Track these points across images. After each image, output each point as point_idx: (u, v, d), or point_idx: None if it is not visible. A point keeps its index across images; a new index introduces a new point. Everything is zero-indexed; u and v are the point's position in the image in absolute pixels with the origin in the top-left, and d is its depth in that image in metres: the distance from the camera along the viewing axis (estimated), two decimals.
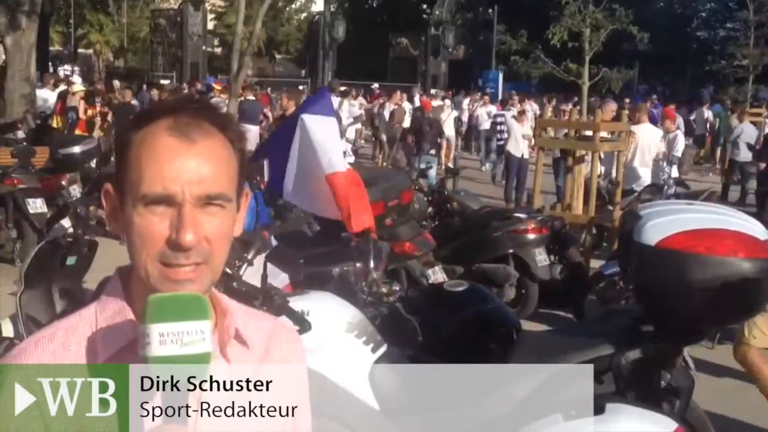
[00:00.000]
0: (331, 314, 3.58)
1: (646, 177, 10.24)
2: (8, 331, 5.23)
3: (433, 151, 15.06)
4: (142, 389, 1.19)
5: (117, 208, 1.25)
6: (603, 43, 11.72)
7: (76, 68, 39.98)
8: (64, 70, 38.35)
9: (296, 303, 3.49)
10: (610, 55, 14.67)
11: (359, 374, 3.48)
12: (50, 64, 36.05)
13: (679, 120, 12.03)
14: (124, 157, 1.23)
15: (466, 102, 24.02)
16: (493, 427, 3.36)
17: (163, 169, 1.18)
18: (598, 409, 3.00)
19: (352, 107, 18.13)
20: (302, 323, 3.14)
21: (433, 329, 4.51)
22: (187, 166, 1.18)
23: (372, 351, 3.55)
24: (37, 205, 8.83)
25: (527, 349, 3.59)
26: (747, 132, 16.00)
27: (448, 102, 22.35)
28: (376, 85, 28.50)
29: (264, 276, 3.78)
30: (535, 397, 3.34)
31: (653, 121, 12.69)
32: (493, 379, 3.43)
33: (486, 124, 19.37)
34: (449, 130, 18.84)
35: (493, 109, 20.02)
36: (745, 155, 15.58)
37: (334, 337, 3.48)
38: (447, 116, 19.23)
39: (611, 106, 11.00)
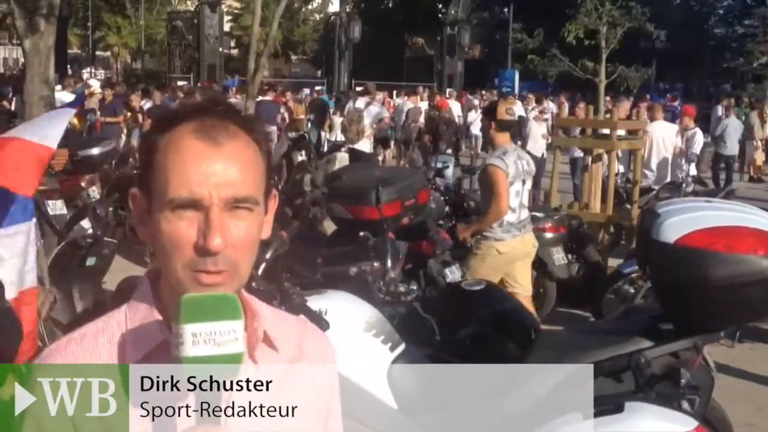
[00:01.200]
0: (349, 313, 3.58)
1: (662, 174, 10.19)
2: None
3: (449, 151, 15.05)
4: (177, 390, 1.20)
5: (144, 213, 1.24)
6: (620, 41, 11.65)
7: (101, 71, 40.18)
8: (88, 73, 38.62)
9: (314, 302, 3.49)
10: (627, 53, 14.58)
11: (377, 373, 3.48)
12: (69, 66, 36.30)
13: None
14: (150, 160, 1.22)
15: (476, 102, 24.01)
16: (512, 425, 3.35)
17: (189, 172, 1.17)
18: (617, 408, 2.99)
19: (371, 107, 18.03)
20: (320, 322, 3.15)
21: (450, 328, 4.51)
22: (214, 169, 1.17)
23: (390, 350, 3.55)
24: (56, 207, 8.88)
25: (546, 348, 3.58)
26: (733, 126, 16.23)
27: (476, 102, 22.39)
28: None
29: (281, 275, 3.80)
30: (554, 396, 3.33)
31: (673, 118, 12.65)
32: (511, 378, 3.43)
33: None
34: (476, 129, 18.83)
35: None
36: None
37: (352, 337, 3.49)
38: (475, 116, 19.30)
39: (625, 105, 10.97)
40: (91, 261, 5.36)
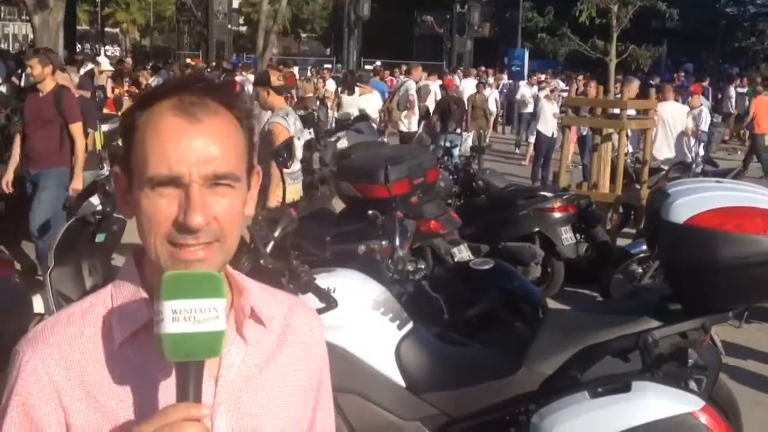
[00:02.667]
0: (358, 291, 3.59)
1: (672, 154, 10.16)
2: (39, 307, 5.30)
3: (458, 131, 14.98)
4: (157, 367, 1.21)
5: (126, 191, 1.23)
6: (631, 20, 11.54)
7: (107, 48, 40.13)
8: (105, 50, 38.59)
9: (322, 280, 3.50)
10: (638, 32, 14.45)
11: (385, 351, 3.50)
12: (78, 43, 36.26)
13: (703, 100, 11.89)
14: (131, 139, 1.21)
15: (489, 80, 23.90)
16: (519, 403, 3.37)
17: (168, 150, 1.16)
18: (625, 387, 3.00)
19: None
20: (328, 300, 3.15)
21: (458, 307, 4.52)
22: (193, 146, 1.16)
23: (398, 328, 3.56)
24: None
25: (553, 327, 3.58)
26: None
27: (490, 80, 22.33)
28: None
29: (290, 253, 3.80)
30: (561, 375, 3.34)
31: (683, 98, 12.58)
32: (518, 357, 3.43)
33: (529, 107, 19.09)
34: (492, 106, 18.80)
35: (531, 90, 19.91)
36: None
37: (360, 314, 3.50)
38: (489, 94, 19.27)
39: (634, 84, 10.91)
40: (100, 237, 5.35)
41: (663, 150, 10.37)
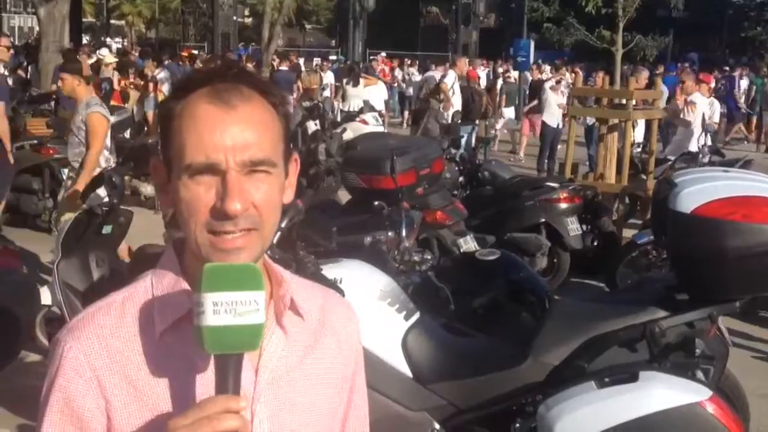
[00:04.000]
0: (364, 282, 3.59)
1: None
2: (46, 299, 5.32)
3: (477, 122, 14.94)
4: (197, 357, 1.21)
5: (165, 181, 1.24)
6: (637, 10, 11.48)
7: (109, 40, 40.10)
8: (115, 43, 38.59)
9: (329, 271, 3.51)
10: (644, 22, 14.39)
11: (392, 342, 3.50)
12: (83, 35, 36.27)
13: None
14: (167, 129, 1.22)
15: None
16: (525, 394, 3.37)
17: (204, 138, 1.16)
18: (632, 377, 3.00)
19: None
20: (335, 291, 3.16)
21: (465, 298, 4.53)
22: (229, 133, 1.16)
23: (405, 318, 3.56)
24: (72, 175, 8.94)
25: (560, 318, 3.58)
26: None
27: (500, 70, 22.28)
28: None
29: (297, 244, 3.81)
30: (568, 365, 3.34)
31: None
32: (525, 347, 3.43)
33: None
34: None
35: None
36: None
37: (366, 305, 3.50)
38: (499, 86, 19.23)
39: (644, 74, 10.87)
40: (107, 229, 5.37)
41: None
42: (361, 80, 16.82)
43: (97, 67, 16.67)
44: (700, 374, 3.29)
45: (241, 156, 1.17)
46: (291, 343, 1.30)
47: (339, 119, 14.12)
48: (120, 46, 32.14)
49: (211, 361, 1.17)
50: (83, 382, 1.21)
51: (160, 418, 1.18)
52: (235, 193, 1.16)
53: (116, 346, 1.22)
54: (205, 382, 1.20)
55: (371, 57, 31.16)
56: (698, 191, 3.27)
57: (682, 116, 10.32)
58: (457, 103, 14.64)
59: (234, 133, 1.17)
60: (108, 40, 38.17)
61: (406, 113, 23.59)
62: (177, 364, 1.22)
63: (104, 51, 20.11)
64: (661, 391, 2.94)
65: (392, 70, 26.26)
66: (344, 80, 17.71)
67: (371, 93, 16.34)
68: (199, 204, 1.18)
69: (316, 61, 27.48)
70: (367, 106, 14.91)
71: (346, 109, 16.55)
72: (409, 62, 27.77)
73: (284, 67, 17.63)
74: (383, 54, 30.09)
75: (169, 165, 1.22)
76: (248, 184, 1.18)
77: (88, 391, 1.20)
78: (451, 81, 15.15)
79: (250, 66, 18.06)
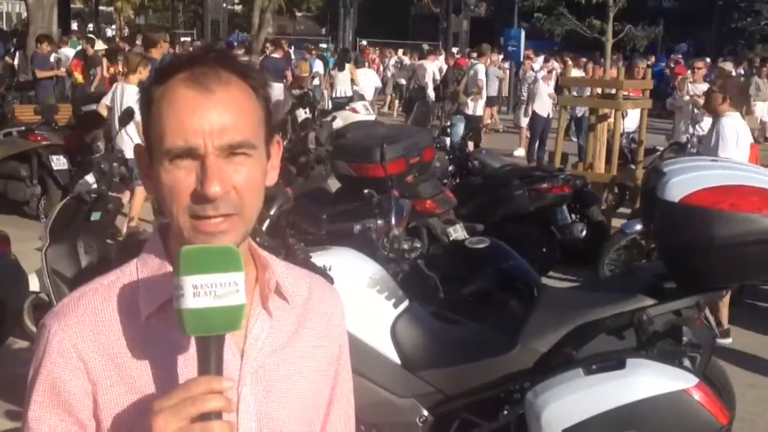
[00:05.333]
0: (353, 270, 3.60)
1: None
2: (35, 285, 5.31)
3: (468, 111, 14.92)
4: (183, 340, 1.21)
5: (148, 166, 1.24)
6: (628, 0, 11.49)
7: (105, 27, 39.76)
8: (111, 30, 38.22)
9: (318, 258, 3.51)
10: (634, 12, 14.39)
11: (381, 329, 3.51)
12: (72, 21, 36.03)
13: None
14: (148, 114, 1.22)
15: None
16: (513, 381, 3.38)
17: (183, 122, 1.17)
18: (619, 364, 3.02)
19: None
20: (324, 278, 3.16)
21: (454, 286, 4.53)
22: (207, 117, 1.17)
23: (394, 306, 3.57)
24: (60, 162, 8.91)
25: (548, 306, 3.60)
26: None
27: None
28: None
29: (286, 232, 3.81)
30: (556, 353, 3.36)
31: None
32: (513, 335, 3.45)
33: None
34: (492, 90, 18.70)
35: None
36: None
37: (356, 293, 3.50)
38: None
39: (641, 65, 10.90)
40: (96, 216, 5.36)
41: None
42: (347, 66, 16.82)
43: (85, 54, 16.60)
44: (686, 362, 3.31)
45: (219, 140, 1.17)
46: (276, 326, 1.30)
47: (329, 106, 14.14)
48: (113, 33, 31.92)
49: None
50: (69, 365, 1.21)
51: (147, 399, 1.19)
52: (214, 176, 1.16)
53: (102, 330, 1.23)
54: (190, 365, 1.21)
55: (360, 46, 31.10)
56: (686, 180, 3.29)
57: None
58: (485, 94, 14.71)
59: (212, 117, 1.17)
60: (103, 26, 37.87)
61: (397, 102, 23.58)
62: (163, 347, 1.22)
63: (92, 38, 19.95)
64: (648, 379, 2.96)
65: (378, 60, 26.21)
66: (331, 66, 17.73)
67: (363, 81, 16.34)
68: (180, 188, 1.18)
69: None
70: (357, 95, 14.91)
71: (333, 95, 16.56)
72: (402, 51, 27.67)
73: (276, 55, 17.51)
74: (364, 42, 29.97)
75: (150, 150, 1.22)
76: (228, 167, 1.18)
77: (74, 375, 1.21)
78: (482, 73, 15.11)
79: (242, 53, 18.01)
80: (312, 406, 1.35)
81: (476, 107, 14.68)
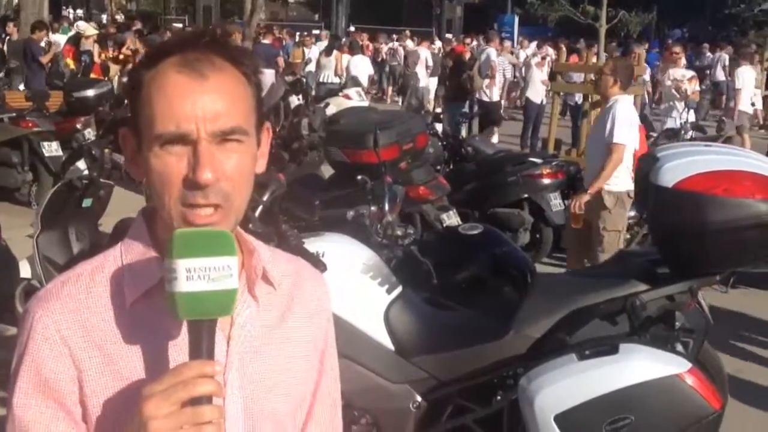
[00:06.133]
0: (347, 256, 3.59)
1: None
2: (26, 272, 5.28)
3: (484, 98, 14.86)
4: (170, 325, 1.20)
5: (135, 152, 1.23)
6: None
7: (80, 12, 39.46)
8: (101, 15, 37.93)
9: (311, 244, 3.50)
10: None
11: (374, 315, 3.51)
12: (63, 7, 35.83)
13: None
14: (137, 98, 1.20)
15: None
16: (507, 366, 3.39)
17: (174, 108, 1.15)
18: (612, 349, 3.02)
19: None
20: (318, 264, 3.14)
21: (447, 272, 4.52)
22: (200, 103, 1.15)
23: (387, 292, 3.56)
24: (52, 148, 8.86)
25: (542, 291, 3.60)
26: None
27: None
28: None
29: (279, 218, 3.80)
30: (549, 338, 3.36)
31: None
32: (507, 321, 3.45)
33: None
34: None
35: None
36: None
37: (349, 279, 3.50)
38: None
39: (637, 50, 10.90)
40: (87, 202, 5.33)
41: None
42: (335, 52, 16.79)
43: (77, 40, 16.50)
44: (679, 347, 3.32)
45: (212, 126, 1.16)
46: (263, 312, 1.30)
47: (320, 93, 14.10)
48: (106, 19, 31.60)
49: (184, 329, 1.16)
50: (54, 351, 1.20)
51: (134, 386, 1.18)
52: (206, 162, 1.15)
53: (86, 315, 1.22)
54: (178, 350, 1.20)
55: (347, 31, 30.99)
56: (680, 165, 3.28)
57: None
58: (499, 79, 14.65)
59: (205, 103, 1.16)
60: (95, 12, 37.58)
61: (390, 89, 23.51)
62: (149, 333, 1.21)
63: (83, 24, 19.81)
64: (641, 363, 2.96)
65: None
66: (320, 51, 17.70)
67: (357, 67, 16.28)
68: (171, 174, 1.16)
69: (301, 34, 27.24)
70: (351, 81, 14.84)
71: (320, 79, 16.54)
72: (396, 37, 27.57)
73: (267, 41, 17.44)
74: (352, 28, 29.84)
75: (138, 135, 1.20)
76: (220, 153, 1.17)
77: (59, 360, 1.20)
78: (494, 56, 15.03)
79: (238, 38, 17.91)
80: (298, 391, 1.34)
81: (492, 93, 14.56)
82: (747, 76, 13.66)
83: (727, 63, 21.66)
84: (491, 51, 15.25)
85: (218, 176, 1.16)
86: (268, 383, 1.28)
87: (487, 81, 14.31)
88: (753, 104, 14.08)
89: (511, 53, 19.12)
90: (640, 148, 6.16)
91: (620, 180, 6.01)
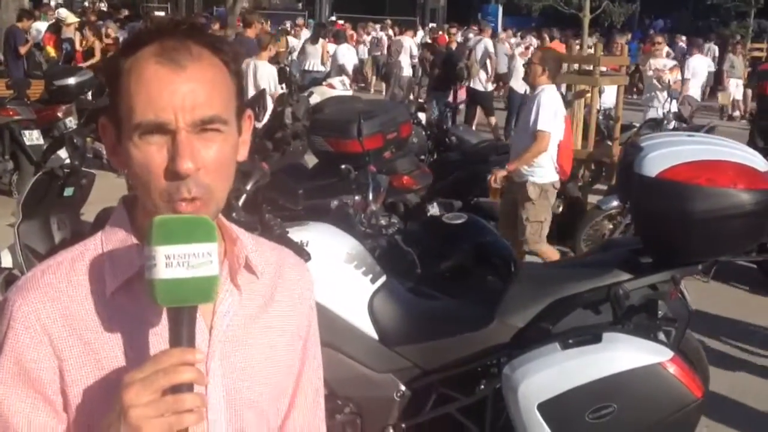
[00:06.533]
0: (331, 245, 3.58)
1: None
2: (7, 261, 5.24)
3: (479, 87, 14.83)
4: (150, 314, 1.19)
5: (115, 142, 1.22)
6: None
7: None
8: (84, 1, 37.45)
9: (295, 234, 3.49)
10: None
11: (358, 304, 3.50)
12: None
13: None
14: (115, 87, 1.19)
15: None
16: (490, 355, 3.39)
17: (153, 98, 1.14)
18: (595, 338, 3.03)
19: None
20: (301, 254, 3.14)
21: (431, 261, 4.53)
22: (179, 93, 1.14)
23: (371, 281, 3.56)
24: (33, 137, 8.78)
25: (525, 281, 3.61)
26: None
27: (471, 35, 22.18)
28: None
29: (262, 207, 3.78)
30: (533, 327, 3.37)
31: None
32: (490, 310, 3.45)
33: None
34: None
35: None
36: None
37: (333, 268, 3.49)
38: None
39: (620, 40, 10.93)
40: (69, 191, 5.29)
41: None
42: (321, 41, 16.72)
43: (57, 27, 16.34)
44: (662, 336, 3.34)
45: (191, 116, 1.15)
46: (245, 301, 1.29)
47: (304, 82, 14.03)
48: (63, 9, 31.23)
49: (164, 318, 1.15)
50: (34, 339, 1.19)
51: (115, 374, 1.17)
52: (186, 152, 1.14)
53: (66, 304, 1.21)
54: (158, 339, 1.19)
55: (339, 20, 30.87)
56: (663, 155, 3.30)
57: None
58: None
59: (184, 92, 1.15)
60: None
61: (374, 78, 23.46)
62: (129, 322, 1.21)
63: (63, 11, 19.62)
64: (624, 353, 2.98)
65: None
66: (305, 39, 17.60)
67: (344, 56, 16.22)
68: (152, 164, 1.15)
69: (287, 24, 27.08)
70: (338, 70, 14.80)
71: (304, 67, 16.46)
72: (379, 26, 27.50)
73: (249, 35, 17.29)
74: (333, 18, 29.73)
75: (118, 125, 1.19)
76: (199, 143, 1.16)
77: (39, 349, 1.19)
78: (492, 47, 14.99)
79: (216, 28, 17.77)
80: (280, 379, 1.34)
81: (486, 83, 14.54)
82: (699, 64, 13.61)
83: (717, 54, 21.78)
84: (487, 41, 15.22)
85: (198, 166, 1.15)
86: (250, 372, 1.28)
87: (487, 70, 14.34)
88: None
89: (508, 44, 19.09)
90: (564, 138, 6.24)
91: (545, 171, 6.11)
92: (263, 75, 8.62)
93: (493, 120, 14.15)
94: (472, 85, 14.35)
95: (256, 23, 11.54)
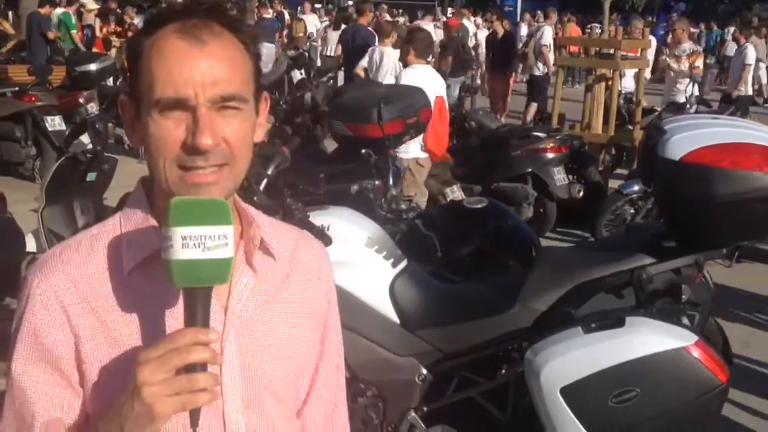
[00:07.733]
0: (352, 229, 3.58)
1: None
2: (32, 246, 5.29)
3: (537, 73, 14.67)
4: (166, 294, 1.20)
5: (134, 118, 1.23)
6: None
7: None
8: None
9: (316, 218, 3.49)
10: None
11: (379, 288, 3.50)
12: None
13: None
14: (136, 65, 1.20)
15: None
16: (512, 339, 3.39)
17: (173, 73, 1.15)
18: (618, 322, 3.01)
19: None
20: (322, 238, 3.14)
21: (452, 245, 4.52)
22: (199, 68, 1.15)
23: (392, 266, 3.56)
24: (55, 123, 8.85)
25: (547, 265, 3.59)
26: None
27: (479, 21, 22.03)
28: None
29: (284, 191, 3.79)
30: (555, 311, 3.36)
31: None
32: (512, 294, 3.44)
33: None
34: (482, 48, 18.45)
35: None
36: None
37: (354, 252, 3.49)
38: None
39: (638, 24, 10.84)
40: (91, 176, 5.33)
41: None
42: (343, 25, 16.63)
43: (79, 14, 16.41)
44: (685, 320, 3.31)
45: (211, 91, 1.16)
46: (261, 282, 1.30)
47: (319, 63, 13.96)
48: None
49: (180, 298, 1.16)
50: (52, 316, 1.20)
51: (130, 353, 1.18)
52: (206, 127, 1.15)
53: (84, 283, 1.22)
54: (174, 319, 1.20)
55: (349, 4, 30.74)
56: (687, 138, 3.26)
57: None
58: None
59: (204, 68, 1.16)
60: None
61: None
62: (146, 301, 1.22)
63: None
64: (647, 337, 2.96)
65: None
66: (325, 24, 17.51)
67: None
68: (169, 139, 1.16)
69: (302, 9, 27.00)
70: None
71: (326, 53, 16.41)
72: (399, 12, 27.34)
73: (268, 15, 17.33)
74: (350, 2, 29.52)
75: (137, 101, 1.20)
76: (219, 119, 1.17)
77: (56, 326, 1.20)
78: (548, 38, 14.76)
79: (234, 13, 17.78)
80: (298, 361, 1.34)
81: (546, 68, 14.34)
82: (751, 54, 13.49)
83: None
84: (547, 29, 14.99)
85: (217, 141, 1.16)
86: (265, 352, 1.28)
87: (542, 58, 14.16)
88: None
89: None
90: (440, 119, 6.25)
91: (410, 148, 6.14)
92: (387, 61, 8.89)
93: (533, 106, 13.99)
94: (531, 72, 14.24)
95: (369, 11, 11.67)
